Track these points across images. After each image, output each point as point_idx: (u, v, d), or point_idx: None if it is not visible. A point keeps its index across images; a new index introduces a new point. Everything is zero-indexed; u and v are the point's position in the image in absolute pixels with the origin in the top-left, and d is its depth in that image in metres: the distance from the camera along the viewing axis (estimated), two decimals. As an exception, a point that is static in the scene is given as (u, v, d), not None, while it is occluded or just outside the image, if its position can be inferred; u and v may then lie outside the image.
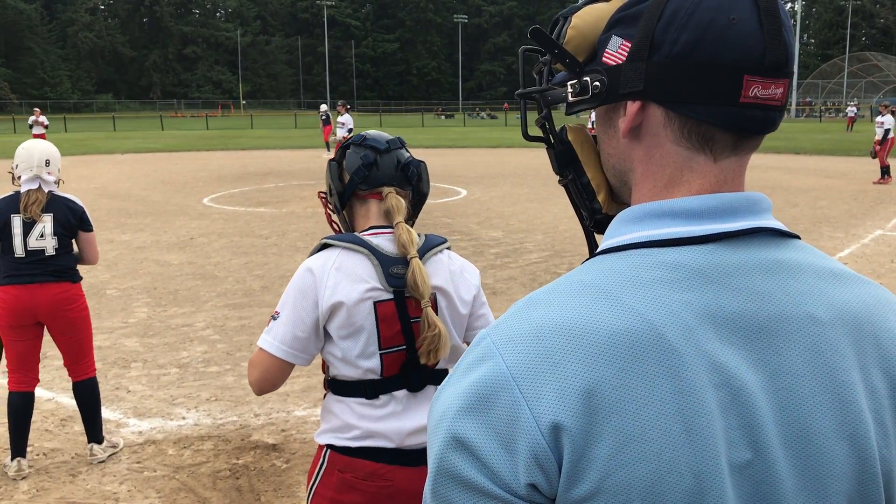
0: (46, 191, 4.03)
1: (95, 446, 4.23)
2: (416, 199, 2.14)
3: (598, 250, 0.77)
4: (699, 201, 0.74)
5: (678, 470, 0.65)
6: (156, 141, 35.76)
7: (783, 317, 0.72)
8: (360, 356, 1.91)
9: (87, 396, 4.23)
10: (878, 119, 17.88)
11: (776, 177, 18.35)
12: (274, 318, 1.94)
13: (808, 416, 0.70)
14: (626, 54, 0.77)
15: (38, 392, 5.12)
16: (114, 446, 4.33)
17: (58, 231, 4.00)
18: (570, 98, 0.84)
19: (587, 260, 0.77)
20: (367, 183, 2.02)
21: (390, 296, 1.91)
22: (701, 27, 0.72)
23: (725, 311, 0.70)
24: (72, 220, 4.06)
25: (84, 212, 4.14)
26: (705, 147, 0.76)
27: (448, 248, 2.09)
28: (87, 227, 4.14)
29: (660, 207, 0.75)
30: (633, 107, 0.77)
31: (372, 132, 2.12)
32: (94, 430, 4.24)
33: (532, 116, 0.96)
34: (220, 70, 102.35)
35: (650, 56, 0.75)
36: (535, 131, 0.98)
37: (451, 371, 0.74)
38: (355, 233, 2.02)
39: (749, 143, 0.77)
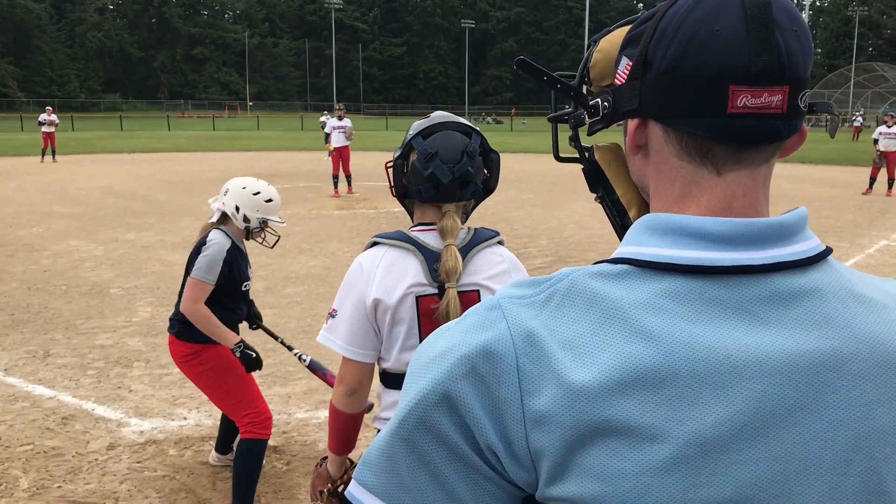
0: None
1: None
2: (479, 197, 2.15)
3: (618, 256, 0.76)
4: (725, 226, 0.72)
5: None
6: (162, 141, 35.87)
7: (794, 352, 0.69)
8: (402, 349, 1.95)
9: None
10: (887, 130, 17.10)
11: (781, 186, 18.31)
12: (332, 315, 1.97)
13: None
14: (628, 73, 0.79)
15: (40, 390, 5.16)
16: None
17: None
18: (587, 119, 0.88)
19: (604, 262, 0.76)
20: (430, 201, 2.02)
21: (434, 290, 1.93)
22: (685, 40, 0.72)
23: (739, 345, 0.68)
24: None
25: None
26: (706, 161, 0.75)
27: (500, 243, 2.11)
28: None
29: (685, 224, 0.73)
30: (631, 125, 0.79)
31: (439, 141, 1.99)
32: None
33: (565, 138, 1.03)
34: (228, 71, 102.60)
35: (644, 74, 0.76)
36: (571, 151, 1.04)
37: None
38: (404, 230, 2.02)
39: (756, 155, 0.74)
